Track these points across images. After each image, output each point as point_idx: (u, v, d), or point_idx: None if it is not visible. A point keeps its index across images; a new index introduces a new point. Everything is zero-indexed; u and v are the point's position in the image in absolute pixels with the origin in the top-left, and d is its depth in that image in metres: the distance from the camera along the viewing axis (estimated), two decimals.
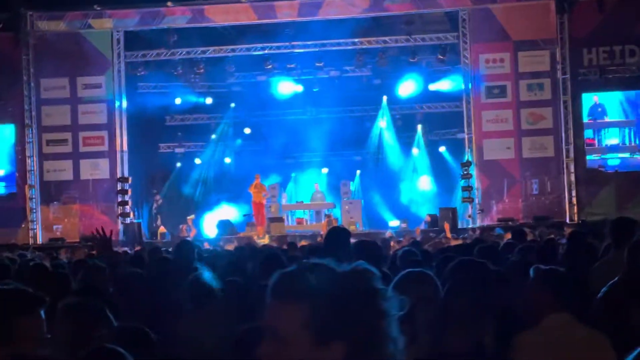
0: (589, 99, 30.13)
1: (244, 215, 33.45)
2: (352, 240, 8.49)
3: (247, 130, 36.88)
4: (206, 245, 22.16)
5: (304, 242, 20.52)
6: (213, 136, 36.87)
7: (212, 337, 6.78)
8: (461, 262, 5.67)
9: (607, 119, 30.35)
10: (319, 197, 34.09)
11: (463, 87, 31.70)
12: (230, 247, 19.89)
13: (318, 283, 2.60)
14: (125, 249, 22.14)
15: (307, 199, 34.59)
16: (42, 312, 3.89)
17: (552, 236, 16.38)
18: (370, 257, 7.71)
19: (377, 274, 2.69)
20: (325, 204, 33.73)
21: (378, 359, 2.63)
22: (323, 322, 2.56)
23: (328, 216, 31.35)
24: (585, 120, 30.15)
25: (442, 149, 35.51)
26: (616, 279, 7.21)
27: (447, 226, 25.86)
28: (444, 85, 33.69)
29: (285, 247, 16.95)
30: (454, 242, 17.59)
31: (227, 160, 37.02)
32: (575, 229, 13.10)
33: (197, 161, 36.86)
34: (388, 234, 25.87)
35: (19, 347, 3.78)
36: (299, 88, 34.92)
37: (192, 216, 32.52)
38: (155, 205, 34.39)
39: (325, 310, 2.57)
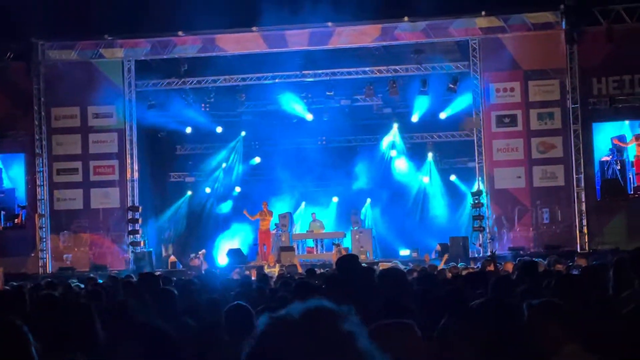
0: None
1: (255, 245, 33.52)
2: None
3: (257, 159, 36.95)
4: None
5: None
6: (223, 165, 36.89)
7: None
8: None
9: None
10: (317, 225, 34.04)
11: (473, 115, 31.66)
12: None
13: (292, 334, 2.51)
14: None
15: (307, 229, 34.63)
16: None
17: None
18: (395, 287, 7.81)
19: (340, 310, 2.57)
20: (336, 233, 33.70)
21: None
22: None
23: (337, 245, 31.21)
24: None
25: (452, 177, 35.46)
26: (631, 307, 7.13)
27: (445, 257, 26.01)
28: (454, 114, 33.66)
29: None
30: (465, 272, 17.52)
31: (237, 189, 36.97)
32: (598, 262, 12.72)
33: (207, 190, 36.88)
34: (394, 263, 25.76)
35: None
36: (310, 117, 34.94)
37: (204, 251, 32.47)
38: (165, 234, 34.41)
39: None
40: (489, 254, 26.29)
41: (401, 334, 4.64)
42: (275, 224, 33.19)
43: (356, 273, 8.31)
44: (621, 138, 29.95)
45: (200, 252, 31.91)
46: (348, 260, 8.78)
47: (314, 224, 34.20)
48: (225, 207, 36.79)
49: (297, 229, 35.36)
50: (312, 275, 15.32)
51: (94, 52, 32.16)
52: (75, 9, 29.58)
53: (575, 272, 14.34)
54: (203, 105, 33.94)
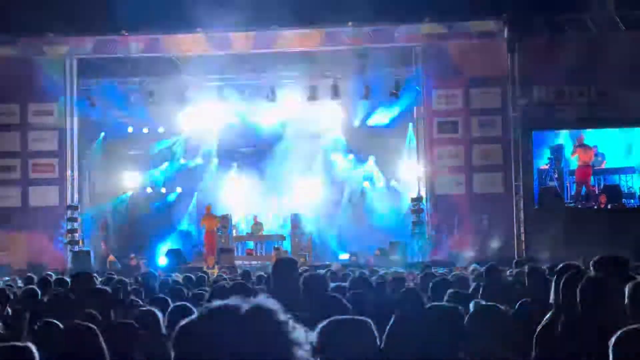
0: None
1: (193, 246, 33.45)
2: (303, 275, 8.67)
3: (199, 160, 36.69)
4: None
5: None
6: (165, 165, 36.65)
7: None
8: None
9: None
10: (258, 228, 34.00)
11: (415, 122, 31.84)
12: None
13: (221, 329, 2.57)
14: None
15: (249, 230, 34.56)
16: None
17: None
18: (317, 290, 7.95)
19: (276, 308, 2.65)
20: (276, 236, 33.66)
21: None
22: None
23: (277, 248, 31.28)
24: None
25: (393, 182, 35.52)
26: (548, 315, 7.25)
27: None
28: (397, 119, 33.76)
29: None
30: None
31: (179, 189, 36.76)
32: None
33: (148, 190, 36.59)
34: (335, 266, 25.87)
35: None
36: (253, 119, 34.85)
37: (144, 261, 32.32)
38: (103, 233, 34.19)
39: (236, 352, 2.54)
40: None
41: (356, 331, 4.71)
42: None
43: (292, 278, 8.38)
44: (557, 148, 30.26)
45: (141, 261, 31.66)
46: (285, 264, 8.82)
47: (255, 226, 34.16)
48: (166, 206, 36.58)
49: (237, 230, 35.23)
50: (247, 278, 15.31)
51: (36, 49, 31.82)
52: (17, 5, 29.26)
53: (510, 278, 14.57)
54: (145, 105, 33.70)
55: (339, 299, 7.79)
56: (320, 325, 4.64)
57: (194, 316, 2.65)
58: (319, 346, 4.48)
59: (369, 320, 4.80)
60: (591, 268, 7.97)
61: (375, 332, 4.74)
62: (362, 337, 4.68)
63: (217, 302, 2.65)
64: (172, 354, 2.65)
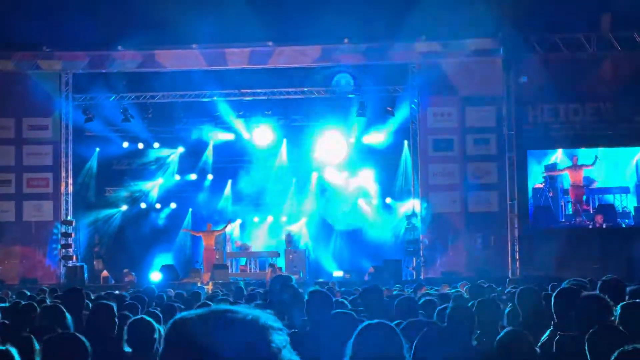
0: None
1: (196, 262, 33.47)
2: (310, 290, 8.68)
3: (193, 176, 36.70)
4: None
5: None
6: (160, 180, 36.61)
7: None
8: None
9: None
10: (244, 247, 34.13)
11: (411, 139, 31.86)
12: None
13: (211, 332, 2.53)
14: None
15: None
16: None
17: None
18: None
19: (271, 323, 2.61)
20: (270, 252, 33.59)
21: None
22: None
23: (272, 265, 31.20)
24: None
25: (388, 200, 35.47)
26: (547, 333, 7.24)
27: None
28: (392, 136, 33.75)
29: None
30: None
31: (172, 205, 36.73)
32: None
33: (142, 205, 36.56)
34: (331, 284, 25.79)
35: None
36: (247, 136, 34.84)
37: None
38: (96, 248, 34.13)
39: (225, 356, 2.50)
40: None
41: (384, 334, 4.98)
42: None
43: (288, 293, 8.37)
44: (552, 167, 30.29)
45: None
46: (281, 280, 8.81)
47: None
48: (160, 222, 36.55)
49: (231, 247, 35.21)
50: (240, 295, 15.28)
51: (30, 63, 31.78)
52: (12, 19, 29.22)
53: (504, 297, 14.50)
54: (140, 120, 33.68)
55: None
56: (356, 331, 4.98)
57: (191, 312, 2.62)
58: (355, 351, 4.85)
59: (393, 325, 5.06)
60: (597, 289, 7.96)
61: (400, 335, 5.04)
62: (391, 339, 4.97)
63: (220, 305, 2.63)
64: (161, 348, 2.63)
